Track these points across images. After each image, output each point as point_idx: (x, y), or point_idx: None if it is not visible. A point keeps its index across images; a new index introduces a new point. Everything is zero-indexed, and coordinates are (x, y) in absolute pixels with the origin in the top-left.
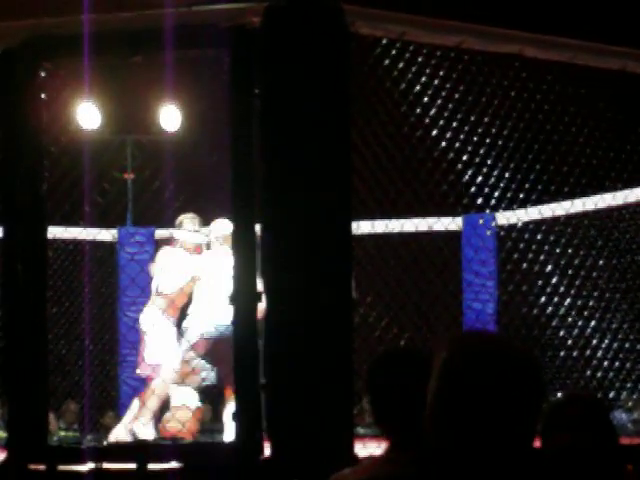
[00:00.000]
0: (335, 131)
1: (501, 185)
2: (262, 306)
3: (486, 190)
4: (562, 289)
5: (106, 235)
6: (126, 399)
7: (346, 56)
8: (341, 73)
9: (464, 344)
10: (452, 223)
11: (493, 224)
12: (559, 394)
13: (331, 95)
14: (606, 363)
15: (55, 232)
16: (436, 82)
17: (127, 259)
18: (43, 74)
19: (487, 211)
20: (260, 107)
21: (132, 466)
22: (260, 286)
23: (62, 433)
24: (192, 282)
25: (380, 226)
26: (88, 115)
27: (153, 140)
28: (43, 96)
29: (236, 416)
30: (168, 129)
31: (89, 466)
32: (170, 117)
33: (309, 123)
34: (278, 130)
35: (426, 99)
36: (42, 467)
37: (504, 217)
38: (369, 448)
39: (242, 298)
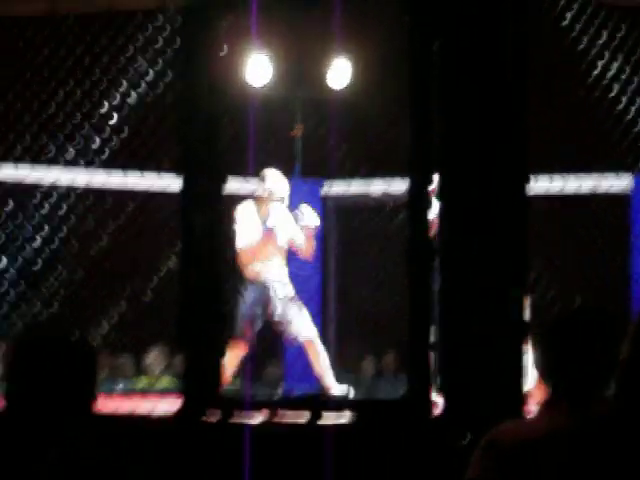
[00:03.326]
0: (513, 88)
1: None
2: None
3: None
4: None
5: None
6: (293, 355)
7: (525, 14)
8: (520, 30)
9: None
10: (627, 184)
11: None
12: None
13: (510, 52)
14: None
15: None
16: (614, 43)
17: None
18: (224, 29)
19: None
20: (440, 62)
21: (303, 420)
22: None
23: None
24: None
25: (557, 183)
26: (261, 69)
27: (323, 96)
28: (223, 51)
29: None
30: (339, 85)
31: (261, 418)
32: (342, 72)
33: (488, 79)
34: (458, 86)
35: (605, 59)
36: (216, 417)
37: None
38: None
39: (417, 258)
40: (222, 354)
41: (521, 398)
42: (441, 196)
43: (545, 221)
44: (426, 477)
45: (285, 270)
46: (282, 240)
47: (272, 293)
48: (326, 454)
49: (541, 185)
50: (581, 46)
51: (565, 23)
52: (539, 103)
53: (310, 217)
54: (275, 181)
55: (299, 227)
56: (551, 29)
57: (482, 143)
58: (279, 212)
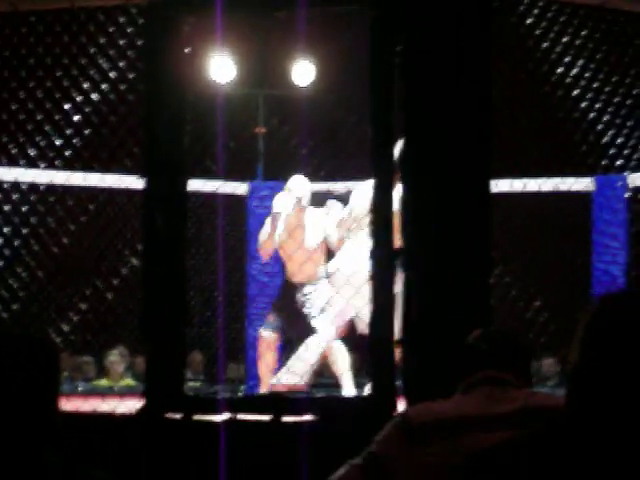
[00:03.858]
0: (476, 89)
1: None
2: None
3: (626, 151)
4: None
5: (243, 189)
6: (254, 353)
7: (489, 14)
8: (483, 31)
9: (614, 303)
10: (588, 184)
11: (626, 186)
12: None
13: (473, 53)
14: None
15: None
16: (578, 42)
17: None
18: (187, 28)
19: (626, 173)
20: (402, 64)
21: (267, 417)
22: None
23: (189, 383)
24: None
25: (518, 185)
26: (223, 68)
27: (286, 95)
28: (186, 50)
29: (370, 371)
30: (301, 84)
31: (225, 416)
32: (304, 72)
33: (451, 81)
34: (420, 87)
35: (568, 58)
36: (178, 416)
37: None
38: None
39: (379, 256)
40: (185, 354)
41: None
42: (404, 194)
43: (507, 220)
44: None
45: (318, 272)
46: (311, 242)
47: (303, 296)
48: (290, 451)
49: (503, 183)
50: (544, 45)
51: (529, 22)
52: (503, 104)
53: (334, 206)
54: (295, 187)
55: (331, 225)
56: (513, 29)
57: (445, 142)
58: (307, 216)
